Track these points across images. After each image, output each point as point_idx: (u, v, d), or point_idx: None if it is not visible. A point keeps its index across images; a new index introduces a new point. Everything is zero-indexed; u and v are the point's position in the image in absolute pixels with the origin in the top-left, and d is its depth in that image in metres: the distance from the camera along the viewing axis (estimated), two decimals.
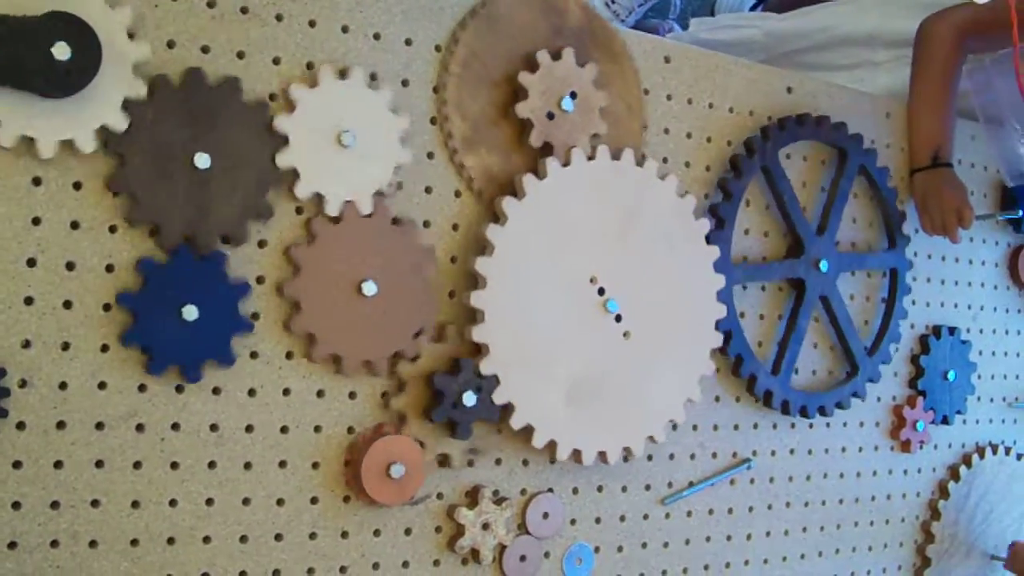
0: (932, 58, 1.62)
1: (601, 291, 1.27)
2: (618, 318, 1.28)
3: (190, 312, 1.05)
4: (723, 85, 1.43)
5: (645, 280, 1.31)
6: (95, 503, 1.05)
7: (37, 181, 1.00)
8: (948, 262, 1.69)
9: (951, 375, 1.67)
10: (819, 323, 1.54)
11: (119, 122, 1.02)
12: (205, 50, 1.08)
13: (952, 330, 1.68)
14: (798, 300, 1.49)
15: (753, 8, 2.67)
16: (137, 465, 1.07)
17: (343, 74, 1.14)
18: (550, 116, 1.24)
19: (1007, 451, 1.78)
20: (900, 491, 1.66)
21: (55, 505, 1.03)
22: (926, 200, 1.59)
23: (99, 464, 1.05)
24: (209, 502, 1.11)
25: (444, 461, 1.22)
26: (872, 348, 1.58)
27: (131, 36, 1.02)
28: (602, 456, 1.29)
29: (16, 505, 1.01)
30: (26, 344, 1.01)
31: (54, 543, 1.03)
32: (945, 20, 1.63)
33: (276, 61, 1.12)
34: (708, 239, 1.35)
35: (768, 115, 1.47)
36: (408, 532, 1.22)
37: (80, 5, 0.98)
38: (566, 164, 1.24)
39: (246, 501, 1.12)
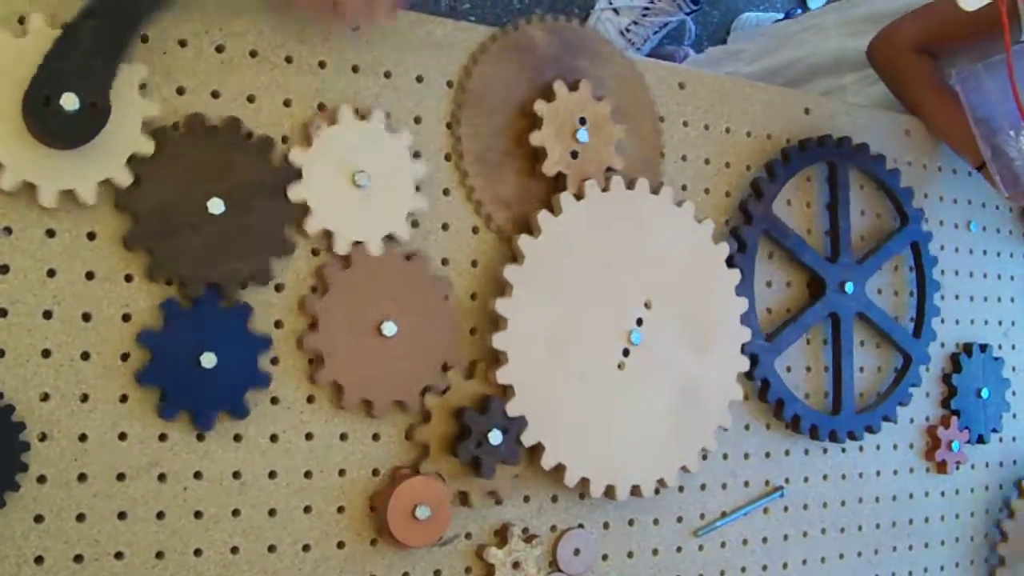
0: (911, 81, 1.60)
1: (628, 322, 1.26)
2: (641, 349, 1.27)
3: (209, 359, 1.05)
4: (739, 109, 1.42)
5: (668, 309, 1.29)
6: (119, 555, 1.04)
7: (51, 233, 1.00)
8: (977, 278, 1.67)
9: (985, 393, 1.64)
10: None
11: (123, 178, 1.01)
12: (215, 95, 1.08)
13: (984, 347, 1.65)
14: (836, 332, 1.47)
15: None
16: (160, 515, 1.06)
17: (357, 113, 1.13)
18: (573, 154, 1.23)
19: None
20: (939, 513, 1.63)
21: (79, 559, 1.02)
22: None
23: (122, 516, 1.04)
24: (234, 550, 1.09)
25: (464, 500, 1.20)
26: (916, 330, 1.56)
27: (143, 89, 1.02)
28: (635, 490, 1.28)
29: (39, 560, 1.00)
30: (44, 397, 1.00)
31: None
32: (892, 41, 1.60)
33: (287, 103, 1.11)
34: (729, 263, 1.34)
35: (787, 137, 1.45)
36: (437, 574, 1.20)
37: None
38: (580, 198, 1.23)
39: (272, 548, 1.11)
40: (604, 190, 1.24)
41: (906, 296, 1.59)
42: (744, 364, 1.35)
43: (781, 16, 2.73)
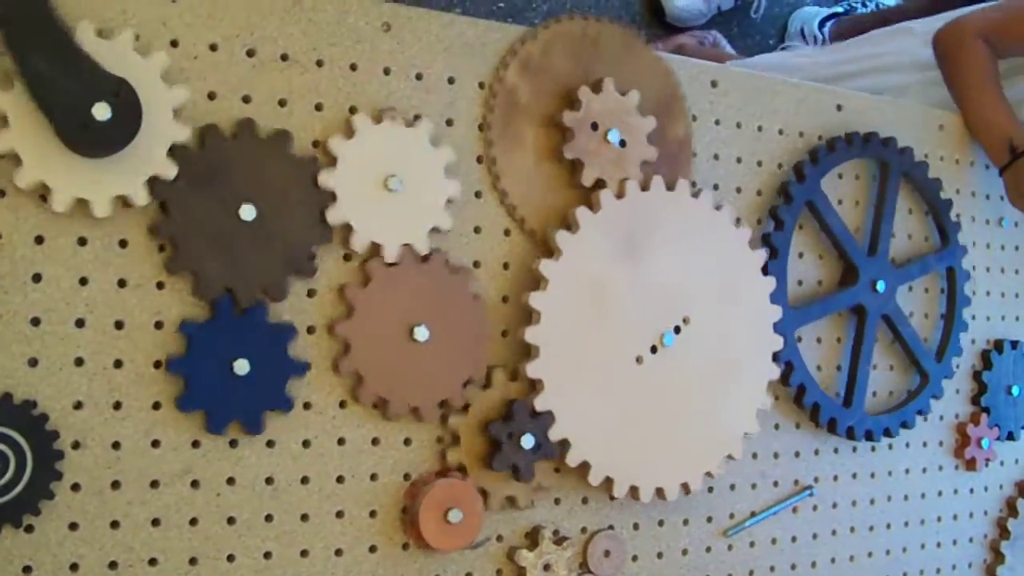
0: (966, 64, 1.59)
1: (659, 325, 1.25)
2: (674, 351, 1.26)
3: (242, 366, 1.04)
4: (771, 107, 1.40)
5: (701, 312, 1.28)
6: (153, 562, 1.04)
7: (83, 241, 1.00)
8: (1008, 274, 1.65)
9: (1015, 390, 1.63)
10: (879, 342, 1.50)
11: (168, 170, 1.00)
12: (247, 100, 1.07)
13: (1015, 344, 1.64)
14: (860, 326, 1.45)
15: (822, 24, 2.65)
16: (193, 522, 1.06)
17: (387, 118, 1.12)
18: (602, 153, 1.23)
19: None
20: (967, 510, 1.62)
21: (113, 565, 1.02)
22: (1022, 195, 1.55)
23: (155, 522, 1.04)
24: (267, 555, 1.09)
25: (512, 502, 1.21)
26: (939, 353, 1.54)
27: (166, 81, 1.01)
28: (659, 492, 1.27)
29: (74, 567, 1.00)
30: (78, 405, 1.00)
31: None
32: (960, 27, 1.60)
33: (319, 107, 1.10)
34: (764, 270, 1.33)
35: (818, 135, 1.44)
36: None
37: (111, 59, 0.97)
38: (620, 196, 1.22)
39: (304, 553, 1.11)
40: (619, 196, 1.23)
41: (936, 318, 1.58)
42: (779, 343, 1.34)
43: (840, 10, 2.70)
